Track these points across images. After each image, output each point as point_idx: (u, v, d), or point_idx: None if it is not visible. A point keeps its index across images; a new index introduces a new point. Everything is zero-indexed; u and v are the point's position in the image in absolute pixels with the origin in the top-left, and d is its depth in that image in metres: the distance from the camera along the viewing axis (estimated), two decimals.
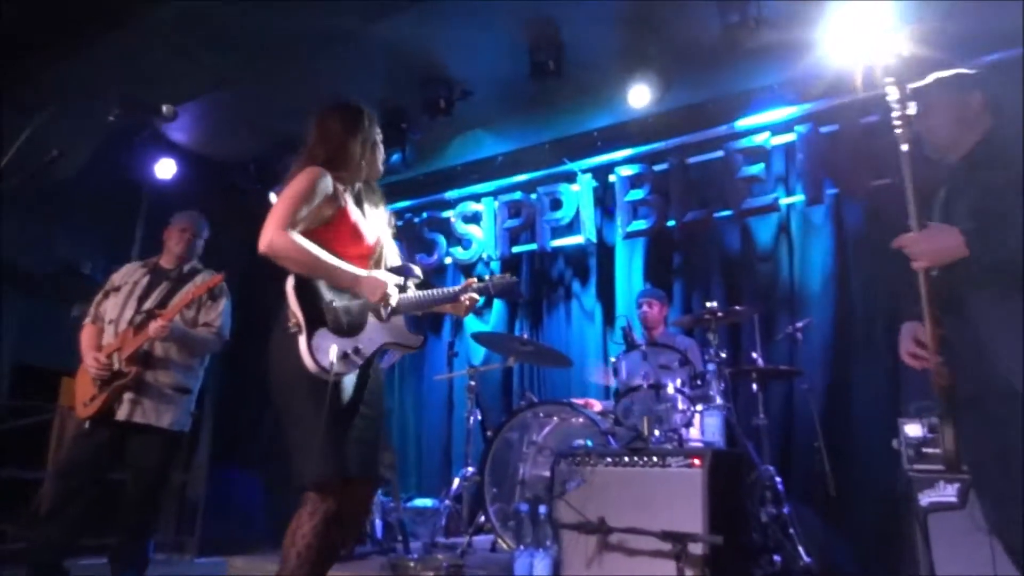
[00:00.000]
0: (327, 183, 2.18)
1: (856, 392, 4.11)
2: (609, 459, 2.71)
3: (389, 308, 2.21)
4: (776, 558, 3.14)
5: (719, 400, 3.30)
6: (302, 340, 2.03)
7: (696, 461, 2.46)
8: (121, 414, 3.06)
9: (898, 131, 1.92)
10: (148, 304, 3.23)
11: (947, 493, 2.76)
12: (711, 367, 3.40)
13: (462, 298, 2.32)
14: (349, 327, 2.13)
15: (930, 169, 2.13)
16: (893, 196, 4.22)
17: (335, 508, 2.00)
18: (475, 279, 2.38)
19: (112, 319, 3.22)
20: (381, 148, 2.39)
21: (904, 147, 1.92)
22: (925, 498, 2.78)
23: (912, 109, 1.90)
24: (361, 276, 2.15)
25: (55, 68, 4.90)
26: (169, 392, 3.16)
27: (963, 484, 2.71)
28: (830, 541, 3.31)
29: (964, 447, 2.07)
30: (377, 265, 2.30)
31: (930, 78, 2.19)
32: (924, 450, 2.85)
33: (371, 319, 2.20)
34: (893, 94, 1.92)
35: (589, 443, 3.05)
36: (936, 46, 3.94)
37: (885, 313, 4.13)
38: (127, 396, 3.07)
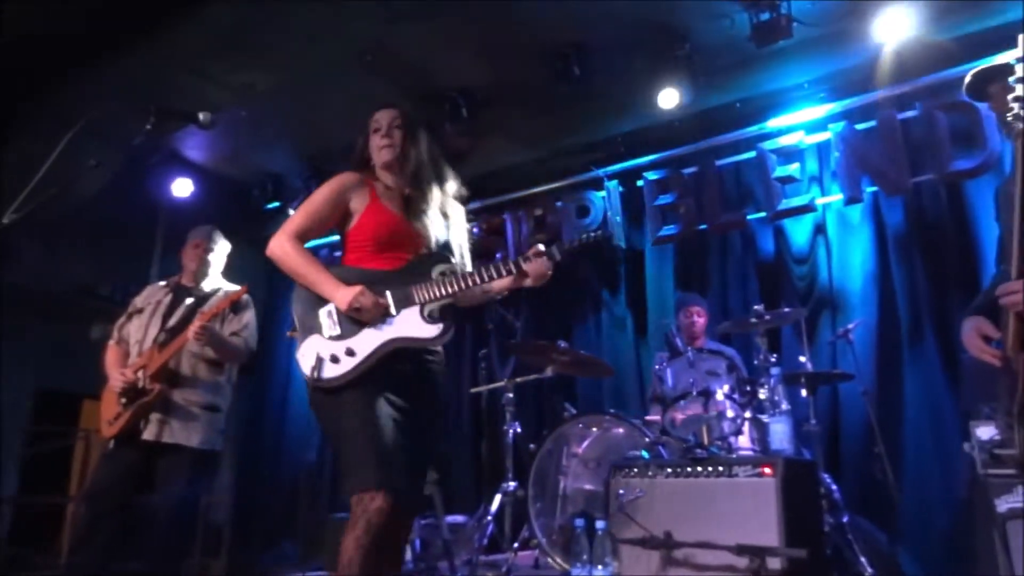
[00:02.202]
0: (348, 184, 2.20)
1: (906, 395, 3.98)
2: (670, 469, 2.58)
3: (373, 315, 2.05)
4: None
5: (785, 405, 3.17)
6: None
7: (767, 470, 2.34)
8: (148, 434, 2.96)
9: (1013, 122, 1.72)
10: (172, 322, 3.16)
11: None
12: (774, 371, 3.27)
13: (527, 267, 2.10)
14: (345, 329, 2.04)
15: None
16: (935, 193, 4.18)
17: (379, 520, 1.85)
18: (539, 246, 2.14)
19: (138, 340, 3.16)
20: (377, 136, 2.26)
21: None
22: (1003, 504, 2.64)
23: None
24: (336, 292, 2.05)
25: (69, 90, 4.86)
26: (197, 411, 3.06)
27: None
28: (893, 551, 3.16)
29: None
30: (424, 262, 2.16)
31: (1006, 58, 2.04)
32: (998, 453, 2.71)
33: (404, 309, 2.08)
34: (1020, 71, 1.74)
35: (645, 454, 2.92)
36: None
37: (932, 312, 4.02)
38: (154, 416, 2.98)
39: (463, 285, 2.07)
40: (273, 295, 6.22)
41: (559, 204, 5.43)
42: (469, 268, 2.26)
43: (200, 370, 3.12)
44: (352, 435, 1.94)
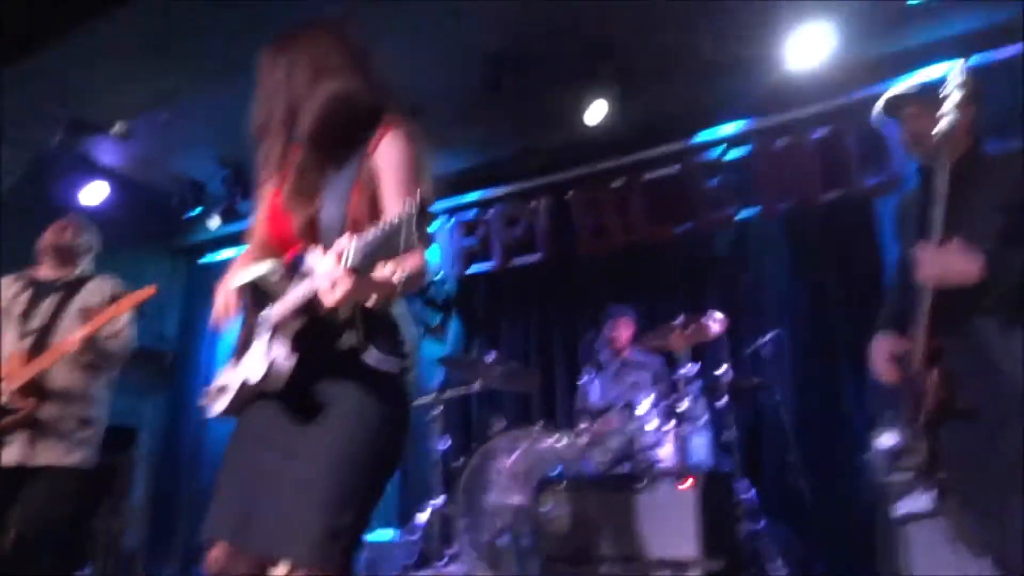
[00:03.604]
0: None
1: (820, 404, 4.15)
2: (594, 484, 2.62)
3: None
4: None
5: (706, 416, 3.26)
6: None
7: (687, 483, 2.39)
8: (9, 457, 2.57)
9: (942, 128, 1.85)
10: (36, 323, 2.76)
11: (922, 502, 2.76)
12: (696, 382, 3.35)
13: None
14: (235, 351, 1.64)
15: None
16: (846, 208, 4.38)
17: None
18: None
19: None
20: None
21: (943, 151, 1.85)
22: (901, 508, 2.78)
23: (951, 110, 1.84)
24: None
25: None
26: (73, 426, 2.70)
27: (939, 492, 2.72)
28: (807, 555, 3.29)
29: (953, 459, 2.08)
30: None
31: (915, 82, 2.15)
32: (898, 459, 2.85)
33: (260, 335, 1.55)
34: (954, 96, 1.87)
35: (569, 469, 2.95)
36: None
37: (844, 325, 4.21)
38: (19, 435, 2.60)
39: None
40: (193, 303, 5.99)
41: (490, 213, 5.43)
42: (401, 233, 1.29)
43: (75, 380, 2.75)
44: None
